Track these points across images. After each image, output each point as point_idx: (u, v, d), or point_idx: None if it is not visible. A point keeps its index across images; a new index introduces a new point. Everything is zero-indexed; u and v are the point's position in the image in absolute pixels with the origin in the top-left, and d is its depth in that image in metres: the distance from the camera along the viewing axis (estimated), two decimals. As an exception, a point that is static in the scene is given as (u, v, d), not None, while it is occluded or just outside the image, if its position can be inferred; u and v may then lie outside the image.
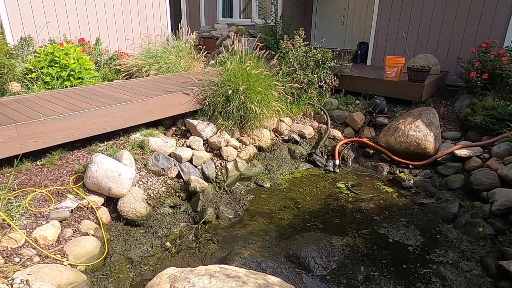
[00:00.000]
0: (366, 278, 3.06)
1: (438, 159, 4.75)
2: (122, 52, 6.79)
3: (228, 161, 4.52)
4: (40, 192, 3.25)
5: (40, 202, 3.20)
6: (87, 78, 5.29)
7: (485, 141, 4.67)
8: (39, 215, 3.07)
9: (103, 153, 3.84)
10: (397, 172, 4.89)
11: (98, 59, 6.16)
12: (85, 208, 3.35)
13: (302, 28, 6.06)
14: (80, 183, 3.48)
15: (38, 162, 3.60)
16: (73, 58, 5.15)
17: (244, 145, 4.85)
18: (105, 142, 4.10)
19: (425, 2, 6.42)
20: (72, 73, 5.11)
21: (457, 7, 6.12)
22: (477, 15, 5.96)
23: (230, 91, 4.56)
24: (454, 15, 6.18)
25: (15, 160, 3.20)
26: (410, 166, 4.91)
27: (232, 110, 4.63)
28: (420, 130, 4.90)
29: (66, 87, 5.01)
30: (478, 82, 5.33)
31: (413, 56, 6.32)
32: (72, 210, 3.25)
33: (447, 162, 4.69)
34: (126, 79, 5.91)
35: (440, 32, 6.39)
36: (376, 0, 6.97)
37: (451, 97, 5.99)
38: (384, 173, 4.97)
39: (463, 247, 3.41)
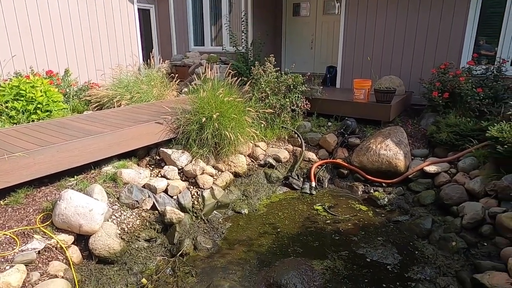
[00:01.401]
0: (348, 301, 3.04)
1: (409, 176, 4.91)
2: (92, 83, 6.70)
3: (204, 189, 4.46)
4: (4, 234, 3.06)
5: (4, 245, 3.00)
6: (55, 110, 5.15)
7: (451, 157, 4.89)
8: (3, 260, 2.87)
9: (73, 188, 3.69)
10: (372, 191, 5.00)
11: (67, 90, 6.04)
12: (54, 248, 3.17)
13: (273, 55, 6.24)
14: (48, 222, 3.31)
15: (1, 202, 3.41)
16: (40, 90, 5.02)
17: (220, 172, 4.82)
18: (75, 176, 3.96)
19: (386, 27, 6.82)
20: (39, 106, 4.97)
21: (415, 31, 6.54)
22: (433, 38, 6.38)
23: (203, 119, 4.57)
24: (413, 39, 6.59)
25: (-24, 201, 3.02)
26: (384, 184, 5.03)
27: (207, 138, 4.62)
28: (390, 149, 5.07)
29: (33, 120, 4.85)
30: (440, 101, 5.64)
31: (378, 78, 6.62)
32: (39, 251, 3.07)
33: (418, 179, 4.85)
34: (96, 110, 5.80)
35: (402, 54, 6.78)
36: (341, 27, 7.33)
37: (417, 115, 6.29)
38: (359, 192, 5.06)
39: (439, 262, 3.48)
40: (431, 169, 4.78)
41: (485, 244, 3.49)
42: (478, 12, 5.99)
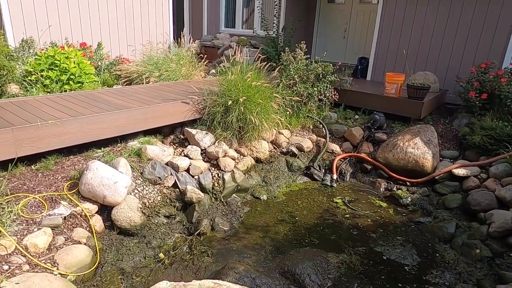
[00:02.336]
0: (361, 297, 3.01)
1: (436, 178, 4.75)
2: (123, 58, 6.78)
3: (225, 171, 4.48)
4: (33, 197, 3.20)
5: (33, 208, 3.14)
6: (87, 82, 5.26)
7: (483, 161, 4.67)
8: (31, 222, 3.01)
9: (99, 159, 3.79)
10: (395, 189, 4.87)
11: (99, 64, 6.14)
12: (79, 216, 3.29)
13: (304, 41, 6.09)
14: (74, 190, 3.43)
15: (32, 166, 3.55)
16: (74, 62, 5.13)
17: (242, 156, 4.82)
18: (102, 148, 4.06)
19: (426, 20, 6.49)
20: (72, 77, 5.09)
21: (457, 27, 6.20)
22: (476, 35, 6.03)
23: (230, 102, 4.55)
24: (454, 35, 6.25)
25: (10, 164, 3.15)
26: (408, 183, 4.89)
27: (231, 121, 4.61)
28: (418, 148, 4.90)
29: (65, 91, 4.98)
30: (477, 102, 5.36)
31: (413, 73, 6.36)
32: (65, 217, 3.19)
33: (444, 181, 4.68)
34: (126, 85, 5.89)
35: (440, 50, 6.46)
36: (377, 17, 7.05)
37: (450, 115, 6.02)
38: (381, 189, 4.94)
39: (460, 268, 3.37)
40: (460, 172, 4.59)
41: (512, 255, 3.35)
42: (529, 9, 5.60)
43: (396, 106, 5.80)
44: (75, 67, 5.11)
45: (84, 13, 6.48)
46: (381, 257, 3.54)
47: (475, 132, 4.97)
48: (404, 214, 4.38)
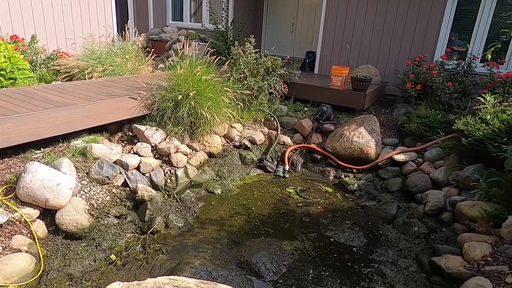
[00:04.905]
0: (314, 279, 3.16)
1: (379, 164, 5.09)
2: (62, 52, 6.32)
3: (178, 168, 4.41)
4: (-38, 206, 2.90)
5: (-38, 217, 2.85)
6: (20, 78, 4.84)
7: (419, 147, 5.10)
8: (-39, 232, 2.74)
9: (39, 161, 3.53)
10: (343, 176, 5.15)
11: (34, 58, 5.68)
12: (18, 222, 3.05)
13: (253, 35, 6.15)
14: (11, 195, 3.17)
15: (-41, 172, 3.21)
16: (4, 56, 4.69)
17: (194, 152, 4.77)
18: (42, 149, 3.78)
19: (366, 17, 6.87)
20: (2, 72, 4.65)
21: (394, 23, 6.64)
22: (411, 31, 6.52)
23: (180, 96, 4.47)
24: (391, 30, 6.70)
25: None
26: (354, 170, 5.19)
27: (182, 116, 4.54)
28: (363, 137, 5.21)
29: (-5, 88, 4.55)
30: (413, 93, 5.82)
31: (356, 66, 6.71)
32: (1, 225, 2.94)
33: (387, 167, 5.04)
34: (66, 81, 5.51)
35: (380, 45, 6.88)
36: (322, 13, 7.31)
37: (390, 105, 6.47)
38: (330, 177, 5.19)
39: (401, 246, 3.68)
40: (400, 157, 4.97)
41: (444, 230, 3.72)
42: (454, 8, 6.15)
43: (342, 97, 6.09)
44: (5, 61, 4.67)
45: (14, 2, 5.92)
46: (332, 241, 3.73)
47: (412, 120, 5.40)
48: (351, 200, 4.65)
